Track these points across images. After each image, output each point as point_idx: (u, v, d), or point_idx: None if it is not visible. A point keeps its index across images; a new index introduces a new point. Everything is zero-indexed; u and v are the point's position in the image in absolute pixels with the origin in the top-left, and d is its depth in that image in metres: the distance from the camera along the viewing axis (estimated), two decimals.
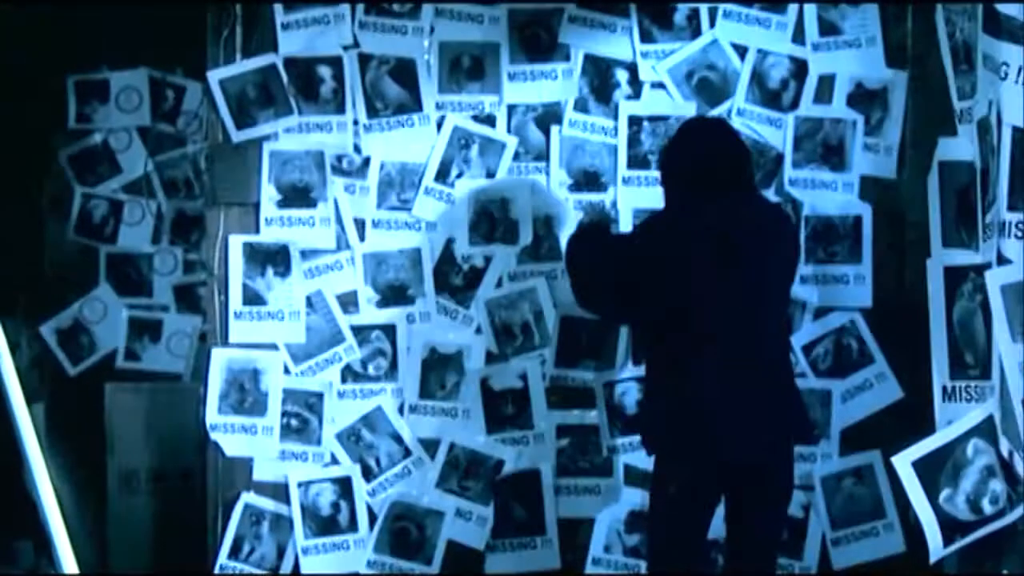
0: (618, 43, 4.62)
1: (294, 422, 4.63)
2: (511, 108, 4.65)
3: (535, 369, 4.62)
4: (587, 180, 4.65)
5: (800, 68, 4.63)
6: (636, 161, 4.57)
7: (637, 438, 4.11)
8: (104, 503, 5.27)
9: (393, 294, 4.66)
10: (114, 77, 5.69)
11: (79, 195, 5.73)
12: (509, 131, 4.65)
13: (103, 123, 5.71)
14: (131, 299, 5.74)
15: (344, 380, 4.66)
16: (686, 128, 4.05)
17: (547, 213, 4.64)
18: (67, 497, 3.94)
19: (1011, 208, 3.76)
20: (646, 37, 4.62)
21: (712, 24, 4.61)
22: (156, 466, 5.30)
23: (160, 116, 5.70)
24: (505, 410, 4.62)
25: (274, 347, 4.63)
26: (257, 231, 4.63)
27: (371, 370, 4.66)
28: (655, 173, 4.41)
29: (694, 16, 4.61)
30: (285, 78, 4.64)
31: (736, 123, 4.58)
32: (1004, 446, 3.87)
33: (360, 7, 4.57)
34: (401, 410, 4.64)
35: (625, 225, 4.56)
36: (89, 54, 5.62)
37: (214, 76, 4.63)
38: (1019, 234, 3.75)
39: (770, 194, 4.61)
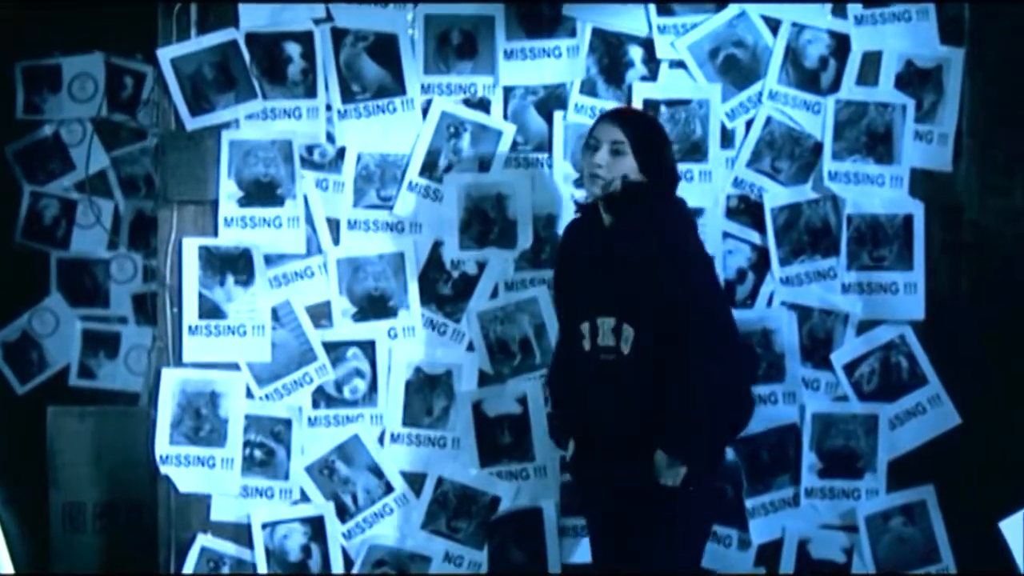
0: (631, 16, 4.48)
1: (258, 453, 4.49)
2: (508, 91, 4.50)
3: (536, 392, 4.46)
4: None
5: (841, 44, 4.49)
6: None
7: None
8: (47, 541, 5.10)
9: (372, 306, 4.50)
10: (66, 63, 5.53)
11: (27, 194, 5.56)
12: (505, 117, 4.50)
13: (54, 114, 5.55)
14: (85, 310, 5.56)
15: (316, 405, 4.52)
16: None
17: (550, 212, 4.48)
18: (8, 533, 4.14)
19: None
20: (663, 9, 4.48)
21: None
22: (104, 501, 5.09)
23: (118, 106, 5.50)
24: (501, 439, 4.48)
25: (235, 367, 4.49)
26: (215, 233, 4.49)
27: (347, 393, 4.51)
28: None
29: None
30: (247, 57, 4.48)
31: (768, 108, 4.51)
32: None
33: None
34: (381, 439, 4.51)
35: None
36: (39, 37, 5.46)
37: (165, 55, 4.47)
38: None
39: (807, 189, 4.49)
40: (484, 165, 4.49)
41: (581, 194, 4.15)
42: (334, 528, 4.45)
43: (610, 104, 4.42)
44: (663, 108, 4.42)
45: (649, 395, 3.67)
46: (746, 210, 4.46)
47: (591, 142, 3.82)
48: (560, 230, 4.39)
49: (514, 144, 4.48)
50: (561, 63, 4.47)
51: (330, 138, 4.49)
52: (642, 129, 3.84)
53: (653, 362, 3.67)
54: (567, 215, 4.39)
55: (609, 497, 3.80)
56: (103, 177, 5.50)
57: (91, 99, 5.52)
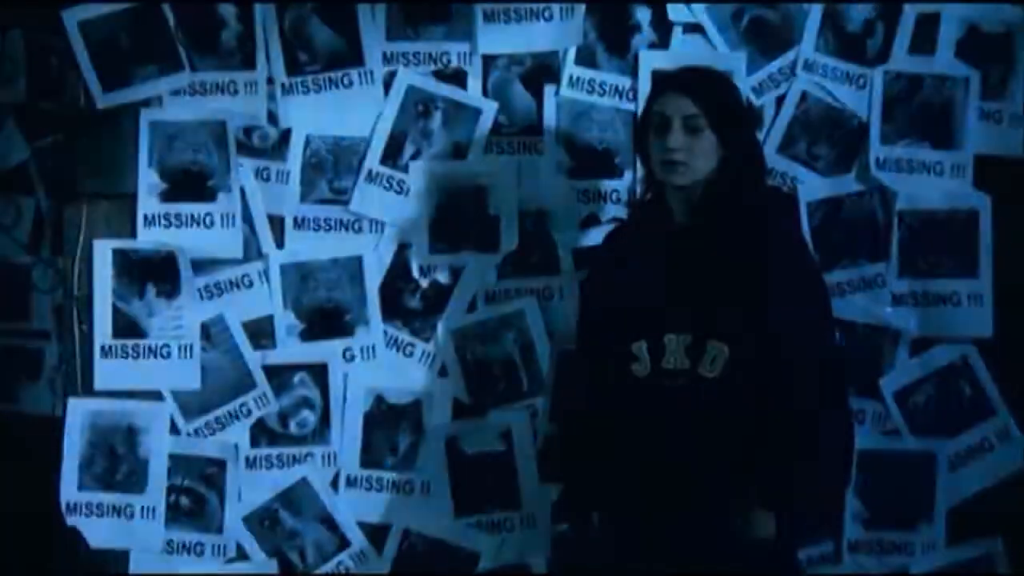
0: None
1: (185, 501, 4.26)
2: (488, 61, 4.24)
3: (522, 425, 4.19)
4: (594, 160, 4.24)
5: (891, 5, 4.21)
6: None
7: None
8: None
9: (323, 321, 4.26)
10: None
11: None
12: (485, 93, 4.23)
13: None
14: (2, 323, 5.22)
15: (255, 442, 4.27)
16: None
17: (539, 207, 4.21)
18: None
19: None
20: None
21: None
22: (3, 554, 4.78)
23: (40, 91, 5.17)
24: (481, 483, 4.23)
25: (158, 396, 4.25)
26: (133, 234, 4.26)
27: (293, 428, 4.26)
28: None
29: None
30: (172, 20, 4.24)
31: (803, 81, 4.24)
32: None
33: None
34: (335, 484, 4.26)
35: None
36: None
37: (72, 16, 4.24)
38: None
39: (850, 180, 4.26)
40: (460, 151, 4.22)
41: (580, 186, 3.98)
42: None
43: (612, 78, 4.16)
44: None
45: (745, 430, 3.40)
46: None
47: (656, 120, 3.48)
48: (552, 229, 4.23)
49: (496, 125, 4.21)
50: (553, 27, 4.18)
51: (272, 118, 4.24)
52: (719, 96, 3.54)
53: (750, 391, 3.41)
54: (559, 211, 4.24)
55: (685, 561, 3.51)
56: (23, 171, 5.19)
57: (10, 83, 5.05)
